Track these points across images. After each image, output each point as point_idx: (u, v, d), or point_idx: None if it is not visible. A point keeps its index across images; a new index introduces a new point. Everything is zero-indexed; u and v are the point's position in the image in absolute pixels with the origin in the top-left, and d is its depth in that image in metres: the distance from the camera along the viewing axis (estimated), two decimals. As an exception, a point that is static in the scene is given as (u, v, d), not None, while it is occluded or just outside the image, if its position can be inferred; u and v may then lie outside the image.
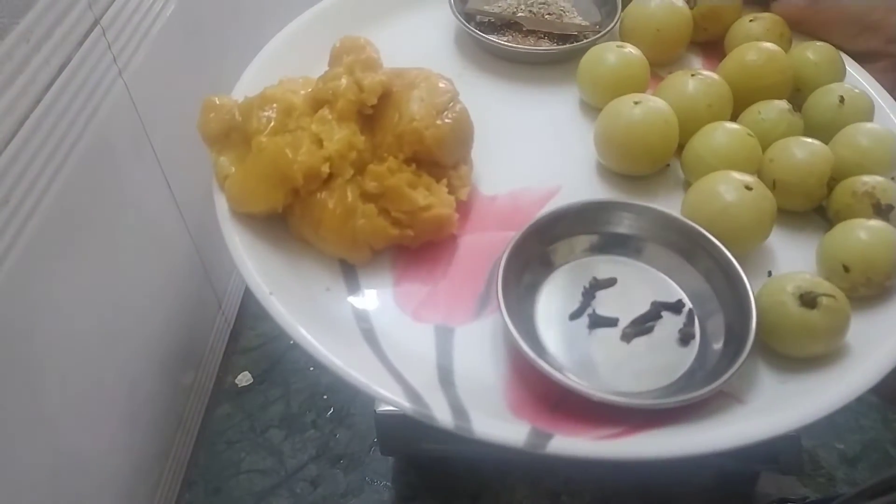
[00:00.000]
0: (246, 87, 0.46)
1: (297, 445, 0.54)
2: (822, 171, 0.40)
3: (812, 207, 0.42)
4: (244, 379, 0.58)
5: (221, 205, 0.41)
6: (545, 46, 0.53)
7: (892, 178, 0.42)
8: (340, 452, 0.54)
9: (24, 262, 0.35)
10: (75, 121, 0.38)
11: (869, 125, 0.43)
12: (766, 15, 0.51)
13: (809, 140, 0.42)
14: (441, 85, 0.42)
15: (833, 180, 0.41)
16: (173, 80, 0.49)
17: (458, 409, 0.34)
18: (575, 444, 0.32)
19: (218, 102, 0.42)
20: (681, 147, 0.44)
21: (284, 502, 0.51)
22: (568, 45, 0.52)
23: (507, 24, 0.55)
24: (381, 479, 0.53)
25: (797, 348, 0.35)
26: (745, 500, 0.52)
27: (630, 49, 0.48)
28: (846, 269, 0.37)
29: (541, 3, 0.56)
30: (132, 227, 0.45)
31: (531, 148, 0.48)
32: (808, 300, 0.34)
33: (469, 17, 0.55)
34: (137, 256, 0.46)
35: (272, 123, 0.40)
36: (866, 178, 0.40)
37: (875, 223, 0.38)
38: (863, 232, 0.37)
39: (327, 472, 0.52)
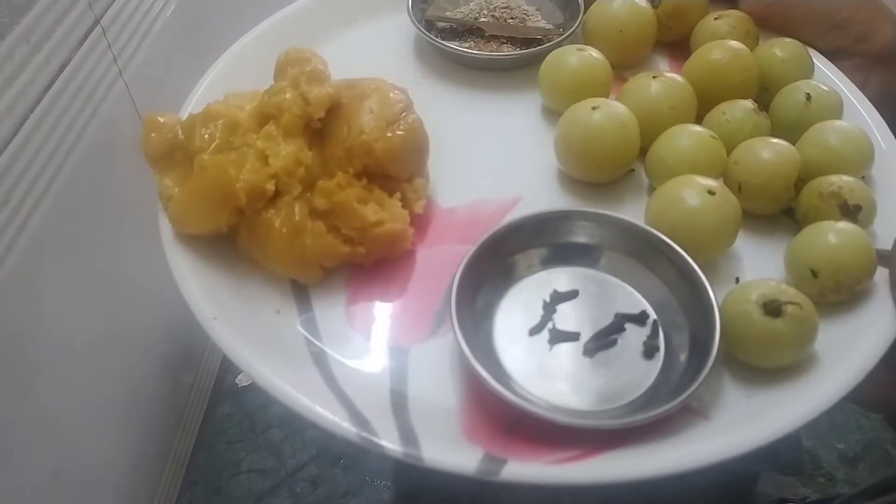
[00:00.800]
0: (196, 105, 0.44)
1: (297, 445, 0.53)
2: (789, 172, 0.39)
3: (780, 210, 0.40)
4: (244, 379, 0.57)
5: (165, 226, 0.39)
6: (507, 51, 0.52)
7: (863, 178, 0.40)
8: (340, 452, 0.52)
9: (25, 262, 0.34)
10: (75, 121, 0.38)
11: (838, 123, 0.42)
12: (731, 12, 0.50)
13: (775, 140, 0.40)
14: (392, 95, 0.41)
15: (801, 181, 0.40)
16: (173, 80, 0.49)
17: (407, 435, 0.32)
18: (530, 469, 0.31)
19: (161, 120, 0.40)
20: (645, 151, 0.43)
21: (284, 502, 0.50)
22: (528, 50, 0.51)
23: (468, 30, 0.54)
24: (381, 479, 0.51)
25: (763, 359, 0.34)
26: (745, 500, 0.51)
27: (591, 52, 0.46)
28: (814, 274, 0.35)
29: (503, 8, 0.55)
30: (132, 227, 0.44)
31: (492, 156, 0.46)
32: (773, 308, 0.33)
33: (429, 23, 0.54)
34: (137, 256, 0.45)
35: (216, 141, 0.39)
36: (833, 179, 0.38)
37: (844, 225, 0.36)
38: (831, 235, 0.36)
39: (327, 471, 0.51)
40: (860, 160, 0.40)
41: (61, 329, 0.37)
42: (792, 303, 0.33)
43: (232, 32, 0.57)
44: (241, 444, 0.53)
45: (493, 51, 0.52)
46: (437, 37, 0.52)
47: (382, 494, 0.51)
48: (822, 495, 0.50)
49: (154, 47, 0.46)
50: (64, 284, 0.38)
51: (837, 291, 0.35)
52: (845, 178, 0.38)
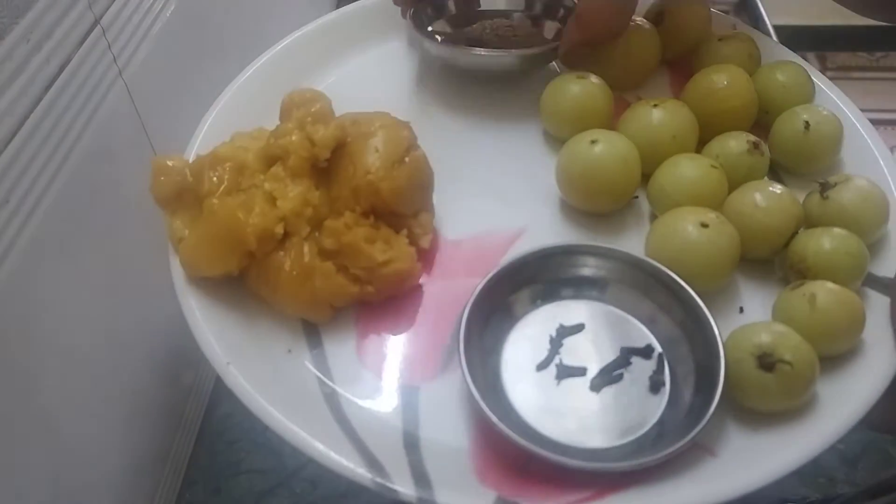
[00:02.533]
0: (203, 141, 0.45)
1: (297, 445, 0.53)
2: (780, 231, 0.39)
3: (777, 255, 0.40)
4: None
5: (176, 269, 0.40)
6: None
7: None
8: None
9: (24, 263, 0.34)
10: (75, 121, 0.38)
11: (859, 182, 0.40)
12: (735, 34, 0.50)
13: (771, 190, 0.40)
14: (397, 132, 0.41)
15: (795, 235, 0.39)
16: (173, 80, 0.49)
17: (421, 478, 0.33)
18: (542, 512, 0.31)
19: (169, 164, 0.41)
20: (648, 177, 0.43)
21: (284, 502, 0.50)
22: (527, 51, 0.50)
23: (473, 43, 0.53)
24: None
25: (756, 405, 0.34)
26: (745, 500, 0.51)
27: (592, 79, 0.46)
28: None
29: (507, 27, 0.54)
30: (132, 227, 0.44)
31: (496, 185, 0.46)
32: (766, 364, 0.33)
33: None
34: (137, 256, 0.45)
35: (224, 184, 0.39)
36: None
37: (833, 287, 0.36)
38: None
39: (327, 472, 0.51)
40: (874, 222, 0.40)
41: (60, 329, 0.38)
42: (784, 361, 0.33)
43: (233, 32, 0.58)
44: (240, 444, 0.53)
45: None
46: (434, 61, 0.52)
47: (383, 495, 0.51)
48: (822, 495, 0.51)
49: (154, 47, 0.46)
50: (63, 284, 0.38)
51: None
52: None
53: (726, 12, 1.00)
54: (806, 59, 0.50)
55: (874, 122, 0.47)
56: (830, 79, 0.50)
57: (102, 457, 0.43)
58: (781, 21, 0.92)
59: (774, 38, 0.91)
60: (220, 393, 0.56)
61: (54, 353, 0.37)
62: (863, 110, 0.48)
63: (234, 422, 0.54)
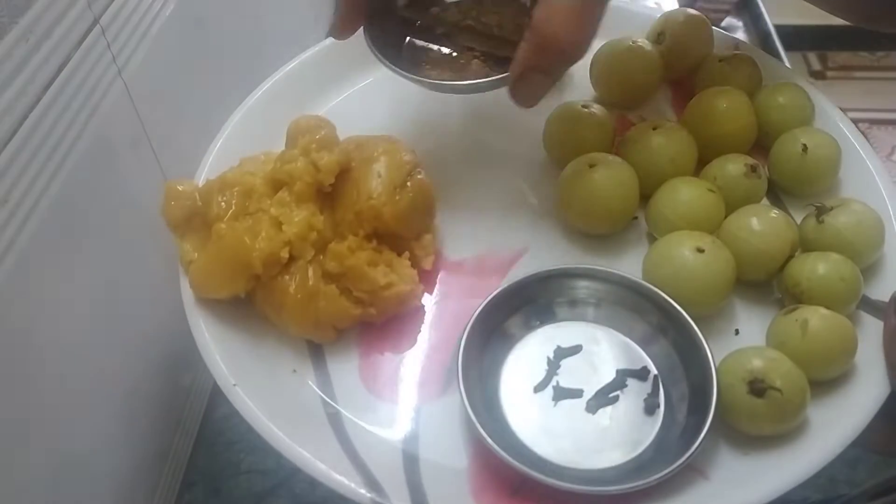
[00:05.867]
0: (212, 165, 0.46)
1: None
2: (775, 255, 0.39)
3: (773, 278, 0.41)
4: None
5: (186, 290, 0.41)
6: (475, 70, 0.44)
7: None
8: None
9: (24, 262, 0.35)
10: (74, 120, 0.39)
11: (855, 206, 0.41)
12: (735, 55, 0.50)
13: (767, 215, 0.40)
14: (400, 157, 0.42)
15: (792, 258, 0.40)
16: (173, 80, 0.50)
17: (418, 498, 0.34)
18: (534, 533, 0.32)
19: (180, 189, 0.42)
20: (647, 198, 0.44)
21: (284, 503, 0.51)
22: (489, 79, 0.42)
23: (446, 34, 0.46)
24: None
25: (747, 429, 0.35)
26: None
27: (594, 108, 0.47)
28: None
29: (493, 12, 0.46)
30: (131, 227, 0.45)
31: (497, 206, 0.47)
32: (756, 390, 0.34)
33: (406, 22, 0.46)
34: (137, 256, 0.46)
35: (232, 208, 0.41)
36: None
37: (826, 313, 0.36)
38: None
39: None
40: (869, 246, 0.40)
41: (60, 329, 0.38)
42: (774, 388, 0.34)
43: (232, 32, 0.57)
44: (240, 445, 0.53)
45: (462, 65, 0.45)
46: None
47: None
48: (822, 496, 0.51)
49: (153, 47, 0.46)
50: (63, 284, 0.38)
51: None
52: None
53: (727, 12, 0.99)
54: (807, 59, 0.50)
55: (874, 121, 0.47)
56: (831, 78, 0.50)
57: (102, 457, 0.43)
58: (782, 20, 0.91)
59: (775, 36, 0.91)
60: (220, 394, 0.56)
61: (54, 353, 0.38)
62: (863, 110, 0.48)
63: (234, 423, 0.54)
